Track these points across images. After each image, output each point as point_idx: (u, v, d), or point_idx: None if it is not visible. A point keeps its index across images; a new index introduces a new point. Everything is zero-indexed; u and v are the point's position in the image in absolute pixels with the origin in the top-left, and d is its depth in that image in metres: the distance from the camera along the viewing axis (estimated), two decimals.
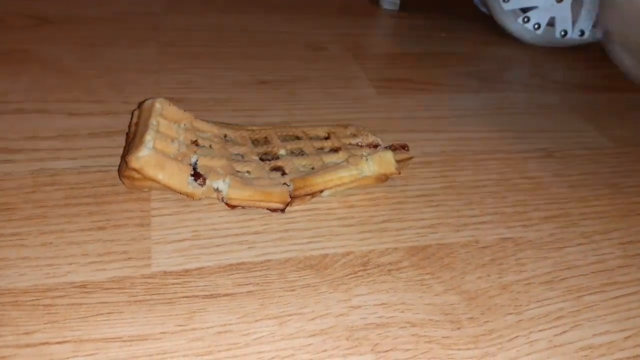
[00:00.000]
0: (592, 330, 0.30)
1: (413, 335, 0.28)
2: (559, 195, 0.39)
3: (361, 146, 0.39)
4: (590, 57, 0.64)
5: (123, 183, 0.34)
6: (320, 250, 0.32)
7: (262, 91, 0.48)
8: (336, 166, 0.36)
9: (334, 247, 0.33)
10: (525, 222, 0.36)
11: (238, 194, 0.33)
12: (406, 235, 0.34)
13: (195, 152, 0.35)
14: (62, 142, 0.38)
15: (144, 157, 0.32)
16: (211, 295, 0.28)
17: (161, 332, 0.26)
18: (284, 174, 0.35)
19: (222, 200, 0.34)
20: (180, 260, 0.30)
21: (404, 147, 0.39)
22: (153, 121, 0.34)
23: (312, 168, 0.36)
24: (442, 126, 0.46)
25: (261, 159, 0.37)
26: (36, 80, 0.45)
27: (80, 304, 0.27)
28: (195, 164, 0.34)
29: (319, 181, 0.35)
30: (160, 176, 0.32)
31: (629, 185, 0.42)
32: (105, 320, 0.26)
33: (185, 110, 0.37)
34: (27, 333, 0.25)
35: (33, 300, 0.27)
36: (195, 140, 0.36)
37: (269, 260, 0.31)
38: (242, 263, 0.31)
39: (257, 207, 0.34)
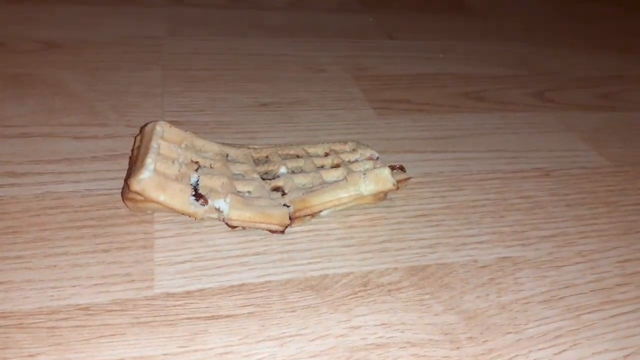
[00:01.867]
0: (592, 349, 0.30)
1: (413, 355, 0.28)
2: (556, 214, 0.40)
3: (361, 161, 0.39)
4: (588, 77, 0.65)
5: (126, 206, 0.35)
6: (321, 271, 0.33)
7: (263, 113, 0.49)
8: (334, 186, 0.36)
9: (334, 268, 0.33)
10: (524, 242, 0.37)
11: (238, 215, 0.34)
12: (406, 255, 0.34)
13: (196, 171, 0.35)
14: (66, 165, 0.39)
15: (145, 180, 0.32)
16: (213, 316, 0.29)
17: (163, 354, 0.27)
18: (284, 194, 0.36)
19: (223, 220, 0.34)
20: (182, 282, 0.31)
21: (401, 168, 0.40)
22: (154, 144, 0.35)
23: (312, 186, 0.37)
24: (440, 146, 0.46)
25: (262, 178, 0.37)
26: (41, 104, 0.46)
27: (84, 326, 0.27)
28: (197, 183, 0.35)
29: (317, 202, 0.35)
30: (162, 198, 0.33)
31: (626, 204, 0.42)
32: (108, 342, 0.27)
33: (186, 130, 0.37)
34: (31, 355, 0.26)
35: (37, 322, 0.27)
36: (197, 161, 0.36)
37: (269, 282, 0.31)
38: (244, 284, 0.31)
39: (256, 228, 0.35)
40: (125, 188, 0.34)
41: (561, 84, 0.62)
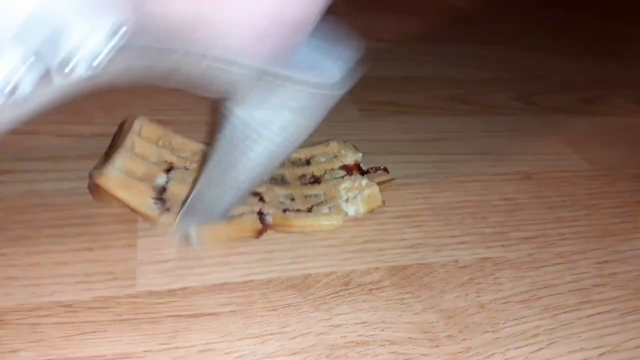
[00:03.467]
0: (568, 347, 0.30)
1: (392, 353, 0.28)
2: (537, 216, 0.40)
3: (343, 168, 0.40)
4: (572, 81, 0.66)
5: (91, 194, 0.35)
6: (303, 271, 0.33)
7: None
8: (318, 212, 0.36)
9: (316, 267, 0.33)
10: (504, 243, 0.37)
11: (209, 236, 0.33)
12: (387, 255, 0.35)
13: (167, 172, 0.36)
14: (51, 163, 0.39)
15: (107, 175, 0.33)
16: (195, 314, 0.29)
17: (145, 351, 0.27)
18: (261, 199, 0.36)
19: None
20: (165, 280, 0.31)
21: (384, 170, 0.40)
22: (128, 141, 0.35)
23: (292, 199, 0.37)
24: (424, 149, 0.47)
25: None
26: None
27: (66, 323, 0.28)
28: (165, 184, 0.35)
29: (298, 224, 0.35)
30: (121, 194, 0.33)
31: (606, 207, 0.43)
32: (89, 339, 0.27)
33: (165, 128, 0.38)
34: (12, 351, 0.26)
35: (19, 319, 0.27)
36: (171, 161, 0.36)
37: (252, 281, 0.32)
38: (226, 283, 0.31)
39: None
40: (92, 178, 0.34)
41: (546, 88, 0.63)
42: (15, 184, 0.36)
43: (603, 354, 0.30)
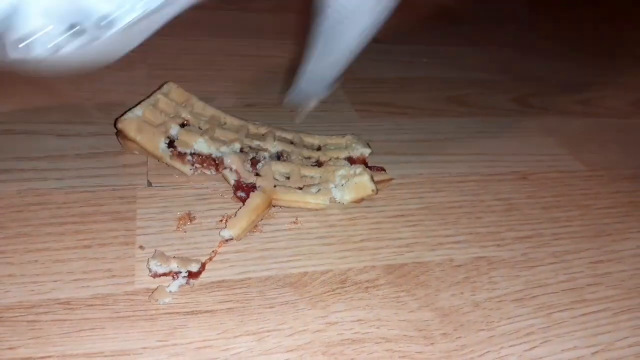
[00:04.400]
0: (561, 345, 0.31)
1: (387, 350, 0.29)
2: (531, 216, 0.41)
3: (348, 160, 0.41)
4: (567, 83, 0.67)
5: (118, 141, 0.40)
6: (300, 268, 0.33)
7: (248, 114, 0.49)
8: (306, 190, 0.37)
9: (313, 265, 0.34)
10: (499, 242, 0.38)
11: (237, 230, 0.34)
12: (384, 253, 0.35)
13: (182, 126, 0.40)
14: (50, 162, 0.39)
15: (126, 120, 0.38)
16: (192, 311, 0.29)
17: (142, 347, 0.27)
18: (257, 174, 0.38)
19: (191, 162, 0.39)
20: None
21: (382, 169, 0.41)
22: (154, 97, 0.41)
23: (288, 178, 0.38)
24: (421, 149, 0.47)
25: (242, 150, 0.39)
26: (26, 102, 0.46)
27: (64, 320, 0.28)
28: (176, 136, 0.39)
29: (285, 198, 0.37)
30: (138, 138, 0.38)
31: (600, 207, 0.43)
32: (88, 335, 0.27)
33: (190, 93, 0.43)
34: (11, 348, 0.26)
35: (17, 316, 0.28)
36: (187, 119, 0.41)
37: (249, 278, 0.32)
38: (223, 281, 0.32)
39: (216, 170, 0.39)
40: (115, 125, 0.39)
41: (542, 90, 0.63)
42: (14, 183, 0.37)
43: (596, 352, 0.31)
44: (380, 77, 0.60)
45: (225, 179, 0.38)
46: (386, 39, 0.71)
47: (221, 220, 0.35)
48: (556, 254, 0.38)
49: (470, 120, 0.54)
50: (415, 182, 0.43)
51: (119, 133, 0.39)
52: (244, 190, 0.37)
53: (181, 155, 0.39)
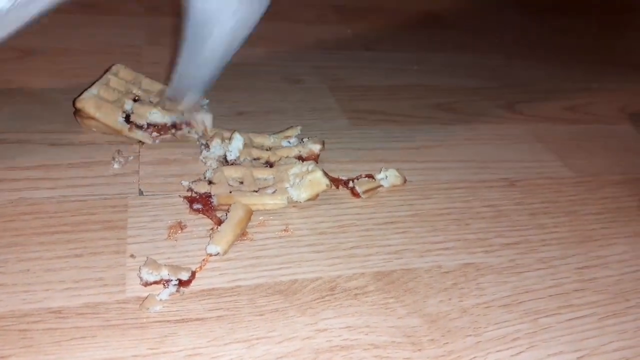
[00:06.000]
0: (547, 350, 0.31)
1: (376, 356, 0.29)
2: (519, 223, 0.41)
3: (299, 158, 0.42)
4: (556, 89, 0.67)
5: (76, 120, 0.44)
6: (290, 276, 0.34)
7: (239, 122, 0.50)
8: (263, 192, 0.38)
9: (303, 273, 0.34)
10: (487, 248, 0.38)
11: (224, 245, 0.34)
12: (373, 260, 0.36)
13: (134, 101, 0.45)
14: (42, 172, 0.39)
15: (84, 99, 0.42)
16: (182, 319, 0.30)
17: (133, 355, 0.27)
18: (210, 182, 0.39)
19: (149, 132, 0.43)
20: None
21: (371, 177, 0.41)
22: (105, 78, 0.45)
23: (241, 182, 0.39)
24: (410, 156, 0.48)
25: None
26: (19, 111, 0.46)
27: (55, 329, 0.28)
28: (130, 111, 0.44)
29: (242, 202, 0.37)
30: (98, 115, 0.42)
31: (587, 213, 0.44)
32: (79, 344, 0.27)
33: (137, 73, 0.48)
34: (2, 357, 0.26)
35: (9, 325, 0.28)
36: (138, 95, 0.46)
37: (239, 286, 0.32)
38: (214, 289, 0.32)
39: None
40: (74, 104, 0.43)
41: (531, 96, 0.64)
42: (6, 192, 0.37)
43: (582, 357, 0.31)
44: (371, 85, 0.61)
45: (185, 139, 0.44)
46: (377, 47, 0.71)
47: (212, 229, 0.36)
48: (544, 259, 0.38)
49: (460, 127, 0.54)
50: (404, 189, 0.43)
51: (78, 112, 0.42)
52: (199, 202, 0.37)
53: (138, 127, 0.43)
